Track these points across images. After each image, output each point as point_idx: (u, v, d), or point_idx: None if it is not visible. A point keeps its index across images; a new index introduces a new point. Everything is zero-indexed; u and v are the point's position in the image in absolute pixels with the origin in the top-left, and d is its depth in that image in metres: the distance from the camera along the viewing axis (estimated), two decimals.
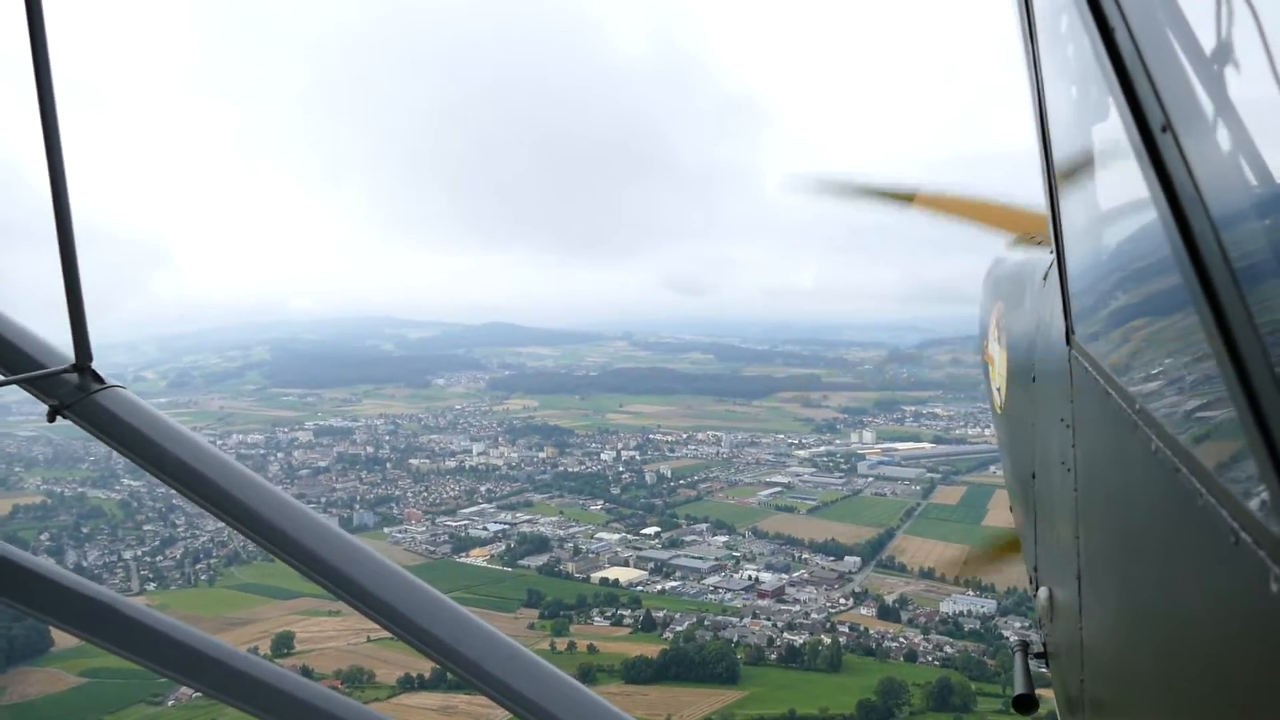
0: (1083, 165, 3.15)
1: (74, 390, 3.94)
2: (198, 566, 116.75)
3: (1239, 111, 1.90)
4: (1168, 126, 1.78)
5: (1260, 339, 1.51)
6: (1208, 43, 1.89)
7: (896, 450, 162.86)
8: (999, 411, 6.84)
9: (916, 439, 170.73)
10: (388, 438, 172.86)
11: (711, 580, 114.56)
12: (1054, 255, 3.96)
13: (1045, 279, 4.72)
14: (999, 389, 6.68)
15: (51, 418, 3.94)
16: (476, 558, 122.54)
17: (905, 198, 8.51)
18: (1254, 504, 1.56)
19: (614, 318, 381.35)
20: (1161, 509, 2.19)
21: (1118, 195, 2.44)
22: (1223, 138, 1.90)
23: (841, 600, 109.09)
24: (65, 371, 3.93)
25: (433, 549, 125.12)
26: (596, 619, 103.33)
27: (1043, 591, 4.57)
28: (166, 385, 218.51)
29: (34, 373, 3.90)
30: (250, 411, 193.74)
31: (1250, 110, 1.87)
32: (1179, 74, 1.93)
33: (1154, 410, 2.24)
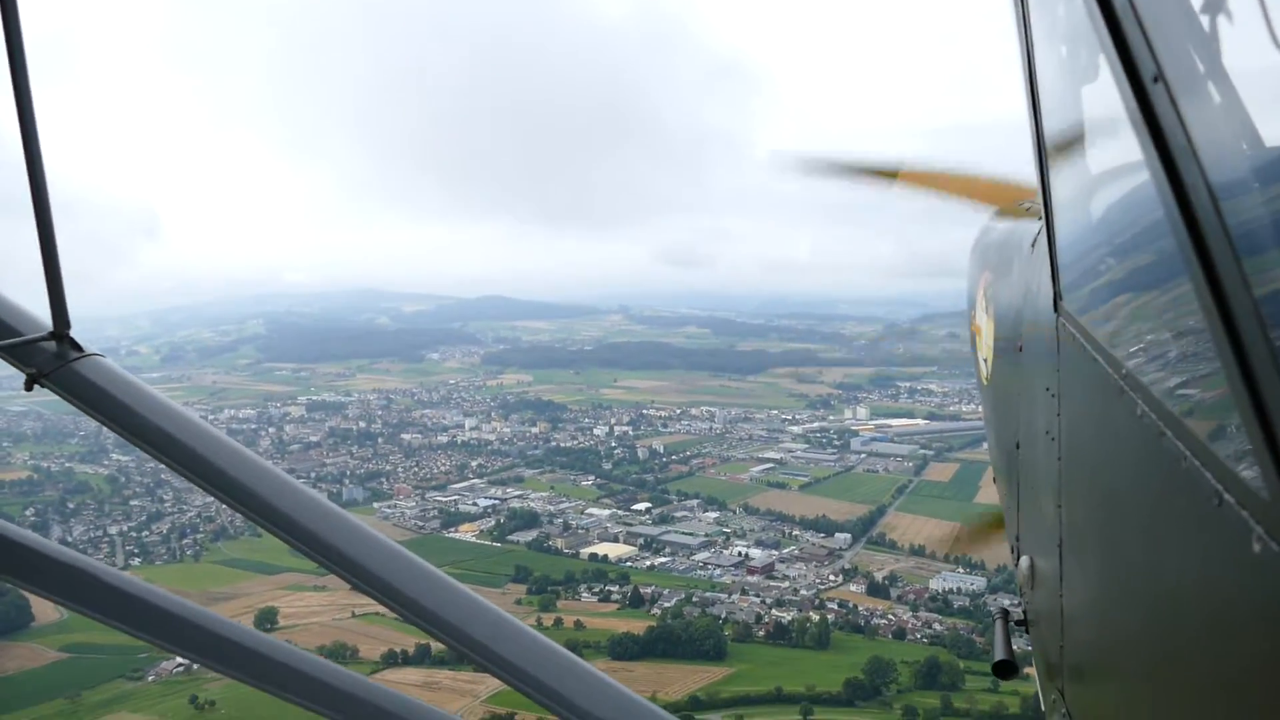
0: (1073, 126, 3.07)
1: (52, 358, 3.83)
2: (184, 541, 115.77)
3: (1234, 62, 1.85)
4: (1160, 76, 1.72)
5: (1253, 299, 1.49)
6: None
7: (890, 426, 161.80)
8: (985, 382, 6.74)
9: (911, 415, 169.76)
10: (380, 413, 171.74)
11: (701, 556, 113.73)
12: (1043, 221, 3.90)
13: (1034, 246, 4.56)
14: (985, 360, 6.57)
15: (29, 386, 3.83)
16: (466, 533, 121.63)
17: (890, 175, 8.32)
18: (1238, 465, 1.57)
19: (610, 290, 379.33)
20: (1146, 473, 2.20)
21: (1109, 155, 2.41)
22: (1217, 89, 1.85)
23: (831, 577, 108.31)
24: (43, 339, 3.83)
25: (422, 524, 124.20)
26: (584, 595, 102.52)
27: (1024, 560, 4.56)
28: (160, 360, 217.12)
29: (10, 340, 3.80)
30: (243, 386, 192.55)
31: (1245, 61, 1.83)
32: (1172, 23, 1.88)
33: (1141, 376, 2.24)
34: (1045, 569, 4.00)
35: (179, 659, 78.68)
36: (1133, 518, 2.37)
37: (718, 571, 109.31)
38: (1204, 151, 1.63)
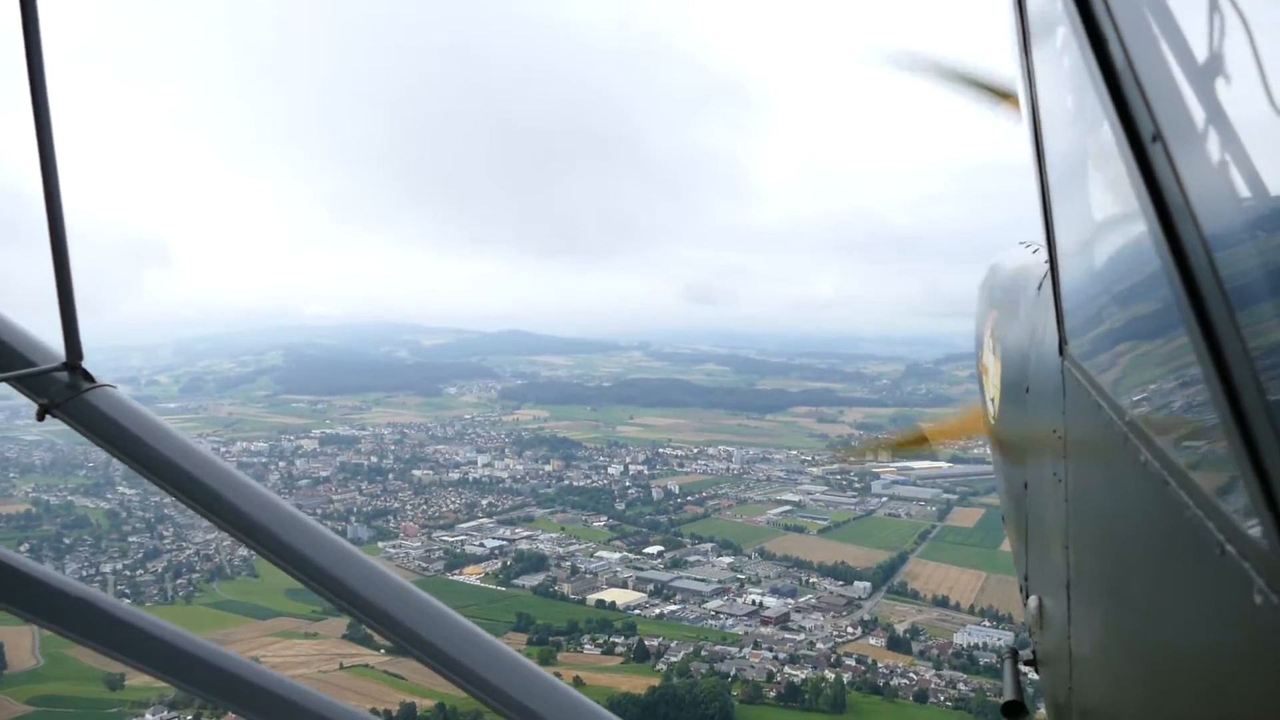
0: (1076, 174, 3.10)
1: (64, 389, 3.83)
2: (178, 581, 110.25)
3: (1230, 122, 1.89)
4: (1158, 136, 1.77)
5: (1246, 352, 1.52)
6: (1200, 53, 1.88)
7: (912, 469, 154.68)
8: (992, 422, 6.71)
9: (934, 458, 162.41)
10: (393, 447, 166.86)
11: (713, 604, 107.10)
12: (1048, 265, 3.94)
13: (1040, 289, 4.64)
14: (993, 399, 6.54)
15: (40, 416, 3.79)
16: (470, 575, 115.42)
17: (1001, 94, 7.30)
18: (1239, 516, 1.57)
19: (631, 326, 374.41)
20: (1150, 521, 2.22)
21: (1109, 206, 2.47)
22: (1214, 149, 1.89)
23: (849, 629, 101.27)
24: (55, 370, 3.84)
25: (426, 565, 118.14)
26: (587, 646, 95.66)
27: (1033, 600, 4.57)
28: (179, 390, 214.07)
29: (23, 371, 3.80)
30: (259, 418, 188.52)
31: (1241, 122, 1.86)
32: (1170, 84, 1.92)
33: (1143, 423, 2.26)
34: (1054, 610, 3.98)
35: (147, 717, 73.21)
36: (1139, 564, 2.37)
37: (730, 621, 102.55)
38: (1200, 211, 1.66)
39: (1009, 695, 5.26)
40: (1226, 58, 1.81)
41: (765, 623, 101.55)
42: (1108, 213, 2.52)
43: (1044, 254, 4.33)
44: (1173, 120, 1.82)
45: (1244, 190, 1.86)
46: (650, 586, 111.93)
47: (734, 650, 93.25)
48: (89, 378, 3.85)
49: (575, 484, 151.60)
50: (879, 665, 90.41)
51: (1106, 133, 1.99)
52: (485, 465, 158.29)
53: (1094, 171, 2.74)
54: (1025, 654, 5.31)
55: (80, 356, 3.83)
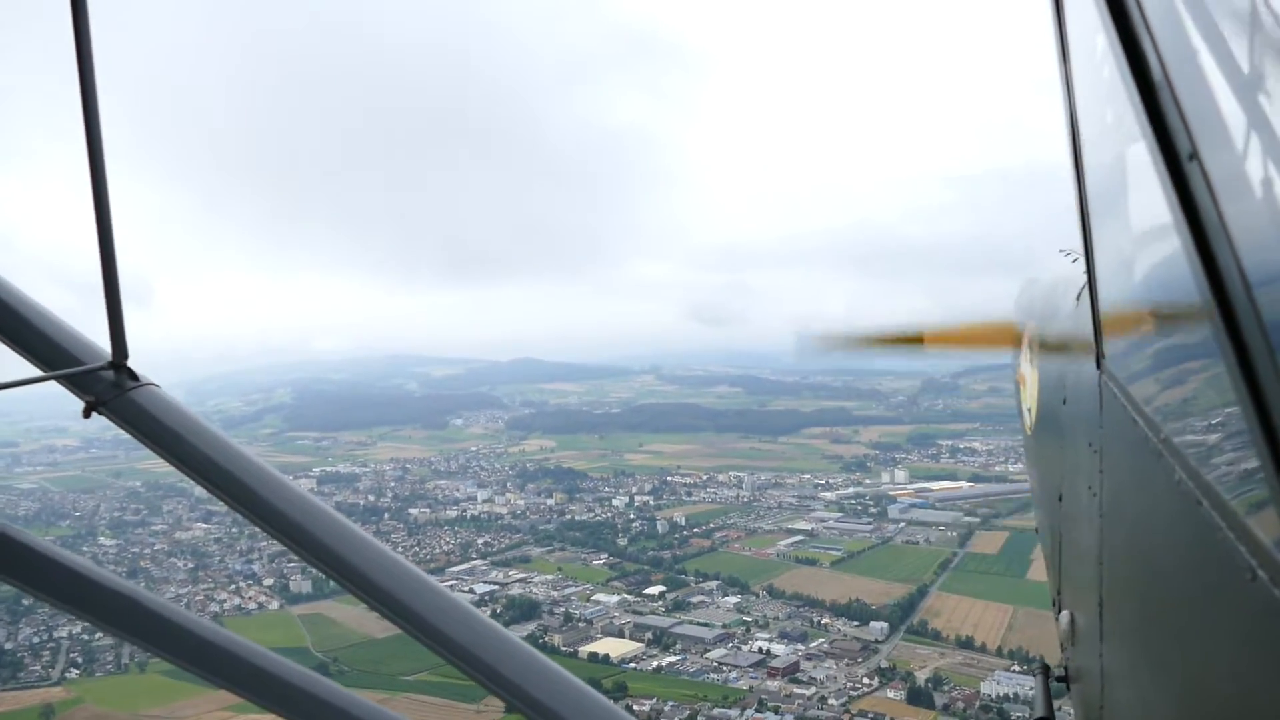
0: (1113, 188, 3.06)
1: (110, 387, 3.79)
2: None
3: (1270, 142, 1.80)
4: (1195, 155, 1.73)
5: None
6: (1240, 71, 1.82)
7: (931, 491, 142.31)
8: (1029, 433, 6.65)
9: (953, 477, 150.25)
10: (393, 484, 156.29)
11: (716, 654, 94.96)
12: (1086, 276, 3.91)
13: (1079, 299, 4.60)
14: (1029, 409, 6.48)
15: (87, 414, 3.76)
16: None
17: (916, 340, 8.34)
18: (1272, 541, 1.52)
19: (644, 350, 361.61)
20: (1182, 541, 2.15)
21: (1146, 221, 2.41)
22: (1253, 169, 1.80)
23: (865, 680, 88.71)
24: (102, 369, 3.81)
25: None
26: None
27: (1064, 615, 4.49)
28: None
29: (70, 369, 3.78)
30: (262, 457, 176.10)
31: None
32: (1208, 102, 1.85)
33: (1179, 441, 2.20)
34: (1086, 626, 3.91)
35: None
36: (1170, 584, 2.32)
37: (734, 675, 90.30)
38: (1236, 232, 1.60)
39: (1040, 712, 5.28)
40: (1267, 75, 1.74)
41: (772, 674, 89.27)
42: (1144, 229, 2.44)
43: (1083, 264, 4.20)
44: (1210, 139, 1.76)
45: None
46: (648, 635, 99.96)
47: (734, 715, 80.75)
48: (134, 376, 3.77)
49: (577, 518, 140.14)
50: None
51: (1143, 149, 1.93)
52: (485, 501, 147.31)
53: (1132, 186, 2.62)
54: (1057, 670, 5.15)
55: (126, 355, 3.75)
